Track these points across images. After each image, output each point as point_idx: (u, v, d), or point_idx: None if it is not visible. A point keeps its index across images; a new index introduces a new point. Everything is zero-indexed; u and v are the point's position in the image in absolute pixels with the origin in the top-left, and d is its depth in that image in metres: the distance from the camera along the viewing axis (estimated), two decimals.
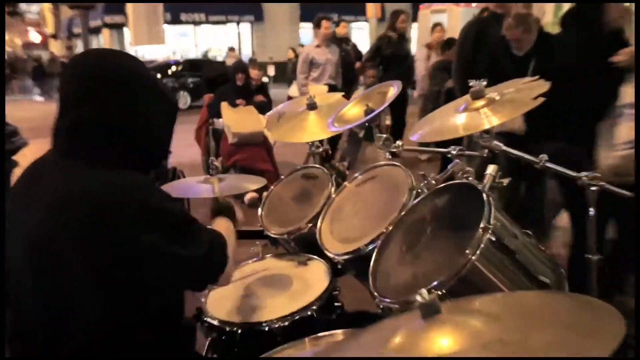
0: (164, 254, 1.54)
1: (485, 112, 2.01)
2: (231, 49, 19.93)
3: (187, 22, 28.17)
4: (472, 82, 2.03)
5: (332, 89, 7.55)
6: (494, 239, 1.68)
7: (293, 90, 9.51)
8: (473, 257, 1.64)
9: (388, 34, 8.38)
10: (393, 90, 2.37)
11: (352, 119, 2.43)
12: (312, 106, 2.77)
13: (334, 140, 7.83)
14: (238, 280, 2.42)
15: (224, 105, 7.26)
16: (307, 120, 2.76)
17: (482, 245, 1.65)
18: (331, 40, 8.24)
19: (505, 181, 2.12)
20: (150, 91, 1.70)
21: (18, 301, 1.63)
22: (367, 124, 2.39)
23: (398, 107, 8.06)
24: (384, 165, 2.43)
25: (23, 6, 40.94)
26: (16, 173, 3.38)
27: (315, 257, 2.48)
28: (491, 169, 2.11)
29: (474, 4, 13.06)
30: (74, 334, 1.53)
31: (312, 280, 2.34)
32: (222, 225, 1.97)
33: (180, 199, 3.49)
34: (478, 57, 4.21)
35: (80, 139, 1.60)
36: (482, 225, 1.69)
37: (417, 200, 2.10)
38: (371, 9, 17.40)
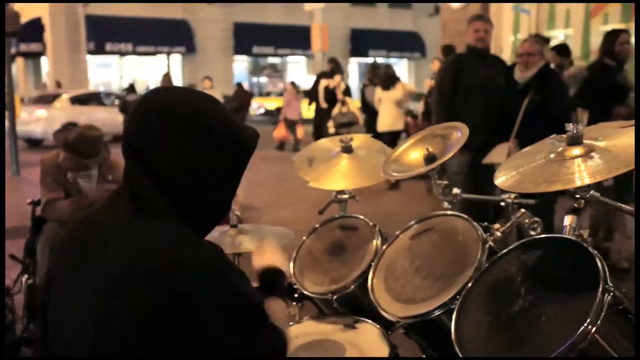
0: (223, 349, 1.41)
1: (579, 165, 1.85)
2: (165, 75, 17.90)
3: (113, 53, 27.72)
4: (569, 126, 1.90)
5: None
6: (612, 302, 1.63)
7: None
8: (595, 327, 1.58)
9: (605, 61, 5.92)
10: (457, 135, 2.26)
11: (412, 165, 2.31)
12: (347, 149, 2.66)
13: None
14: None
15: None
16: (341, 165, 2.65)
17: (603, 311, 1.60)
18: None
19: (586, 233, 2.05)
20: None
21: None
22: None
23: None
24: (441, 215, 2.33)
25: None
26: None
27: (362, 318, 2.34)
28: (569, 220, 2.03)
29: None
30: None
31: (366, 346, 2.21)
32: (278, 313, 1.72)
33: None
34: None
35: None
36: (600, 287, 1.63)
37: (498, 256, 2.01)
38: (317, 41, 17.45)
